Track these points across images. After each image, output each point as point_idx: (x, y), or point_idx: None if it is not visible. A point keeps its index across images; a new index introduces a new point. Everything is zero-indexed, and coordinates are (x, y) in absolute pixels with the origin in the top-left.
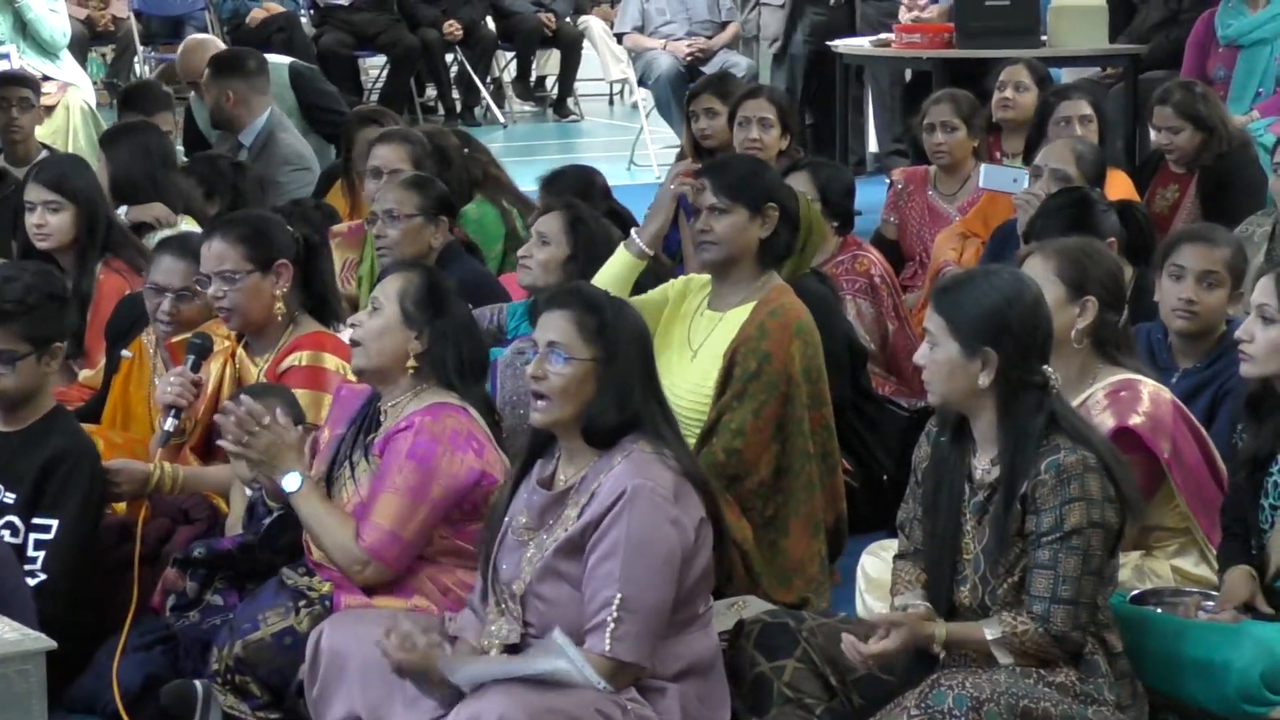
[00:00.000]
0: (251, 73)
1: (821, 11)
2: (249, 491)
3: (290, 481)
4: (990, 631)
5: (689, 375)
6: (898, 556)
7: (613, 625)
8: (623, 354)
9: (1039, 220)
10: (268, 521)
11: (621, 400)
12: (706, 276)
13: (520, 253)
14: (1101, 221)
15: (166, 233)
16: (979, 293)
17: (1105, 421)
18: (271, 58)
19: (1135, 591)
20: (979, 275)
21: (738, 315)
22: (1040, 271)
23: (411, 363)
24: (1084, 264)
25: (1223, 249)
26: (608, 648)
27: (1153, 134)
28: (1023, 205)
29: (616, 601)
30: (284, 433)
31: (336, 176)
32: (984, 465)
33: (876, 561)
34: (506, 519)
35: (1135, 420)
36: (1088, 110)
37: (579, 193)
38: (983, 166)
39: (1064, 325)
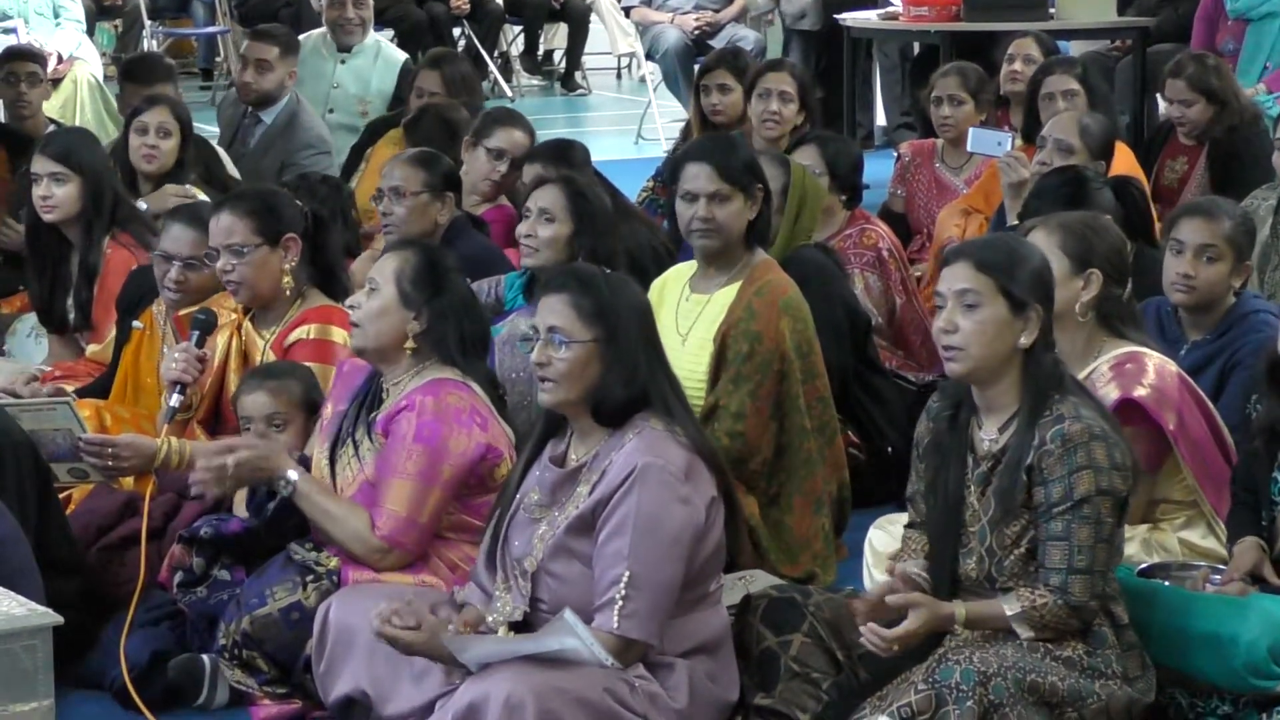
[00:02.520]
0: (298, 52)
1: None
2: None
3: (283, 486)
4: (1010, 607)
5: (681, 361)
6: (908, 525)
7: (621, 603)
8: (624, 330)
9: (1034, 200)
10: (272, 506)
11: (628, 376)
12: (684, 267)
13: (522, 231)
14: (1096, 198)
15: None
16: (1021, 252)
17: (1110, 394)
18: (388, 45)
19: (1143, 565)
20: (1008, 238)
21: (724, 297)
22: (1044, 245)
23: (410, 343)
24: (1088, 238)
25: (1222, 222)
26: (616, 625)
27: (1164, 106)
28: (1005, 168)
29: (625, 579)
30: (249, 456)
31: (391, 124)
32: (990, 435)
33: (884, 536)
34: (518, 496)
35: (1140, 392)
36: (1072, 84)
37: (558, 159)
38: (970, 130)
39: (1068, 299)
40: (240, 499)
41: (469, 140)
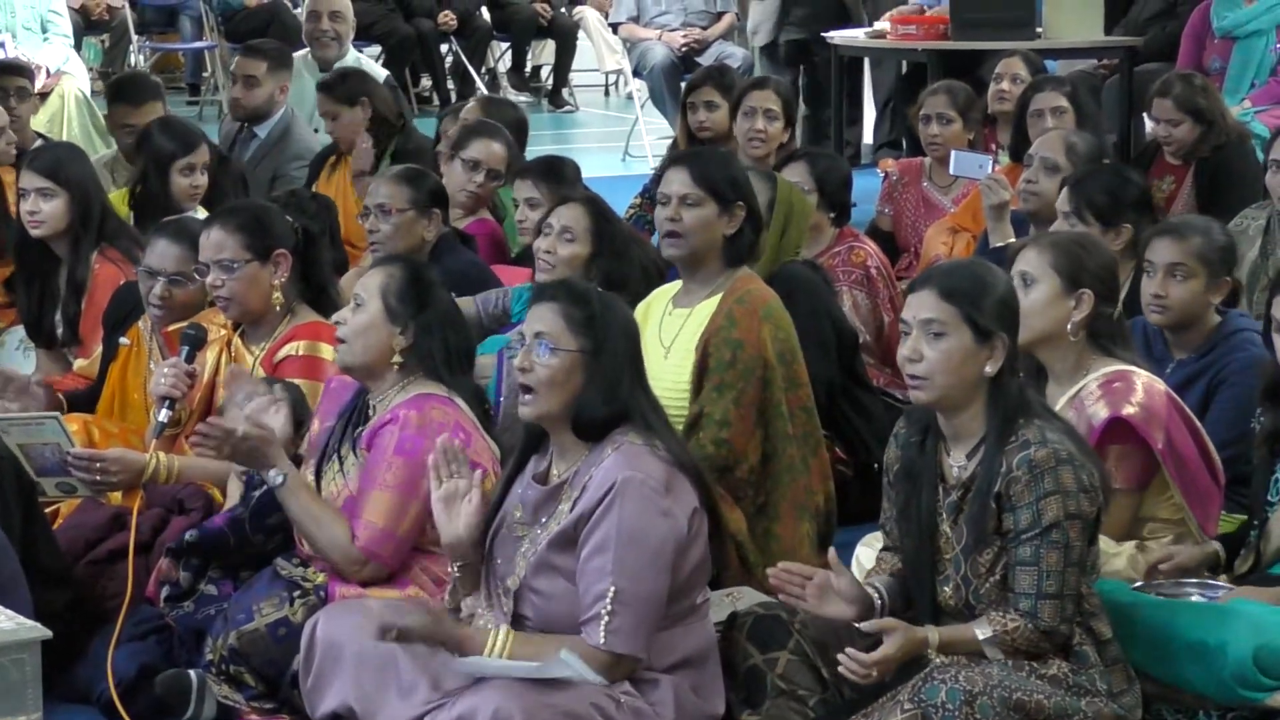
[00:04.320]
0: (291, 67)
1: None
2: (244, 475)
3: (275, 475)
4: (981, 632)
5: (664, 373)
6: (884, 549)
7: (607, 618)
8: (610, 345)
9: (1085, 176)
10: (258, 495)
11: (610, 392)
12: (669, 286)
13: (542, 247)
14: (1133, 210)
15: None
16: (986, 280)
17: (1099, 412)
18: (369, 62)
19: (1135, 584)
20: (974, 264)
21: (705, 309)
22: (1036, 264)
23: (396, 358)
24: (1080, 257)
25: (1190, 240)
26: (602, 640)
27: (1150, 125)
28: (986, 191)
29: (610, 594)
30: (255, 436)
31: (327, 155)
32: (959, 463)
33: (871, 553)
34: (501, 514)
35: (1129, 410)
36: (1061, 102)
37: (550, 172)
38: (952, 153)
39: (1060, 318)
40: (231, 499)
41: (446, 152)
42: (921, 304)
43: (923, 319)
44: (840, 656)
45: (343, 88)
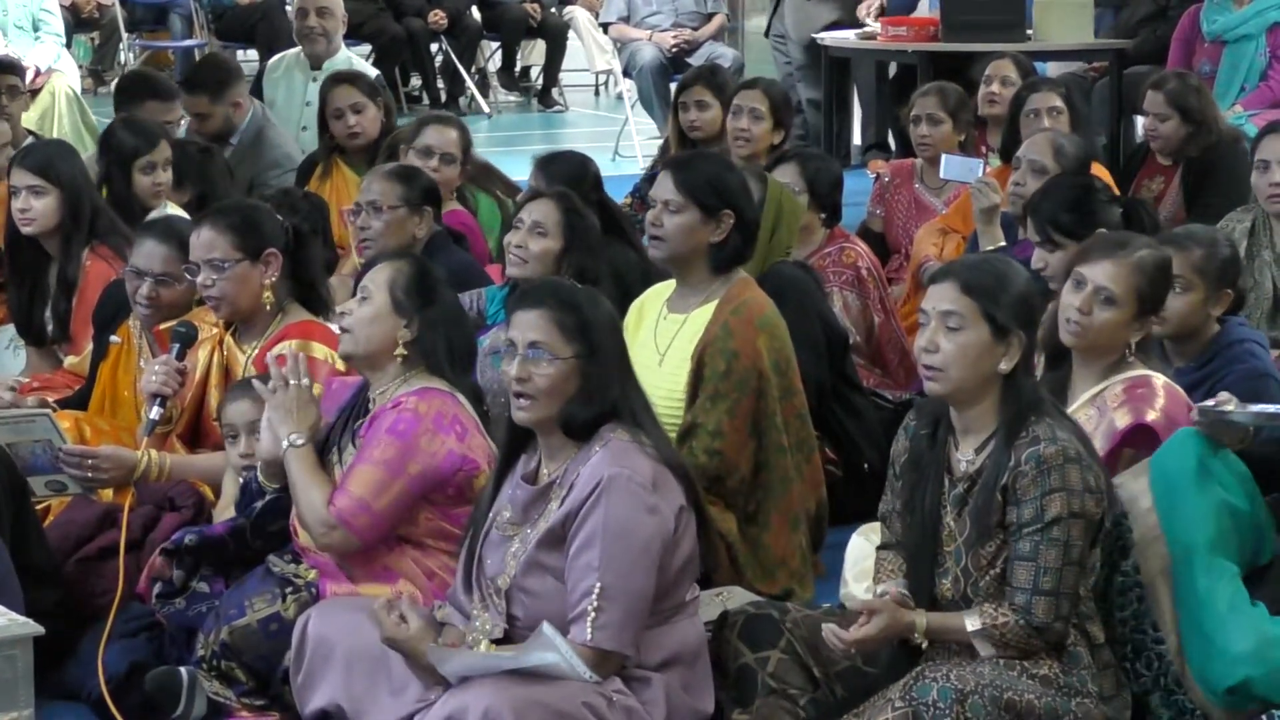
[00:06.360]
0: (241, 73)
1: None
2: (243, 475)
3: (296, 437)
4: (971, 623)
5: (659, 380)
6: (881, 547)
7: (594, 615)
8: (602, 346)
9: (1039, 198)
10: (260, 505)
11: (602, 392)
12: (662, 286)
13: (513, 241)
14: (1102, 211)
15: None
16: (1008, 276)
17: (1119, 417)
18: (360, 61)
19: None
20: (997, 260)
21: (700, 316)
22: (1124, 286)
23: (400, 350)
24: (1159, 284)
25: (1191, 253)
26: (589, 637)
27: (1142, 119)
28: (976, 194)
29: (596, 590)
30: (309, 399)
31: (313, 163)
32: (967, 456)
33: (864, 543)
34: (491, 515)
35: (1153, 416)
36: (1056, 102)
37: (570, 179)
38: (943, 156)
39: (1124, 340)
40: (227, 504)
41: (403, 148)
42: (942, 295)
43: (942, 310)
44: (824, 629)
45: (366, 82)
